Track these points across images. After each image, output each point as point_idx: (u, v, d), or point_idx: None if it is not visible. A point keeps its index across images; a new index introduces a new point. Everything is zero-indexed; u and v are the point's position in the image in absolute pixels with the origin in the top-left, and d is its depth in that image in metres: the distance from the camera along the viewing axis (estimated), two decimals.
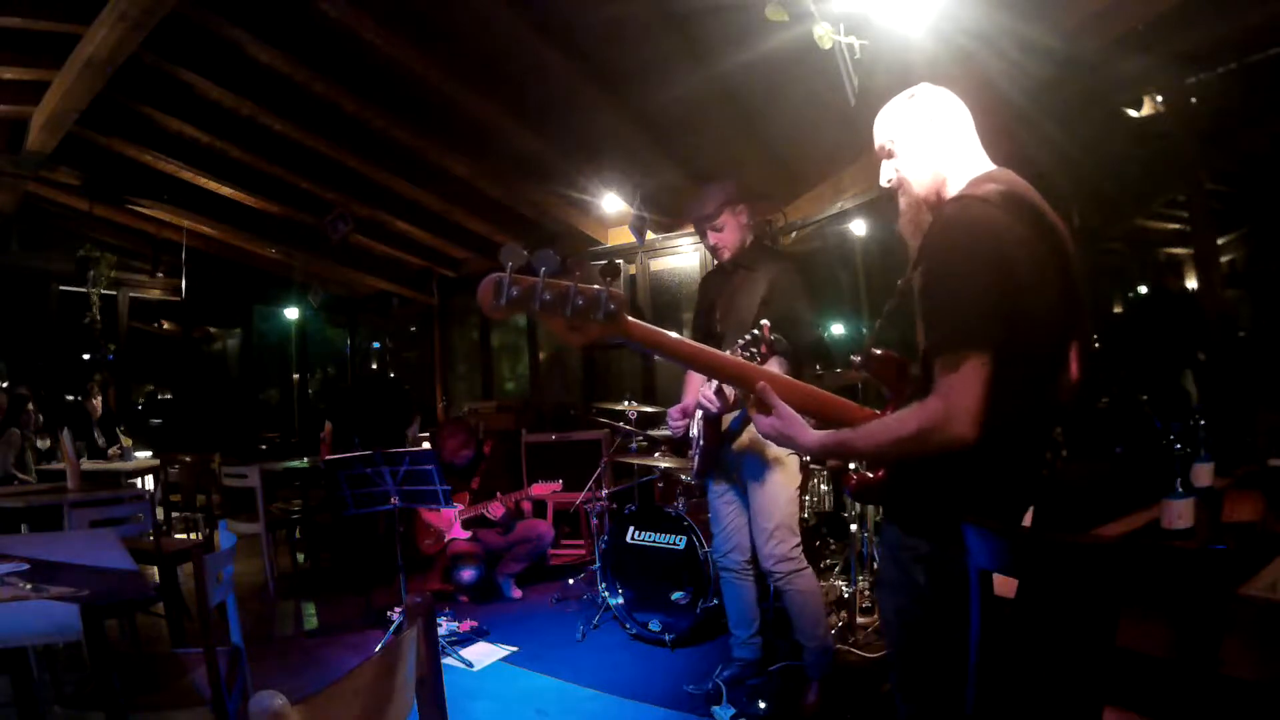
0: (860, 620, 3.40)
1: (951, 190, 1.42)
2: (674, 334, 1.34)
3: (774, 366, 2.53)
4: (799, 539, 2.74)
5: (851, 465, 1.57)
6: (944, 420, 1.20)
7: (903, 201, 1.50)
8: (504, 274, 1.15)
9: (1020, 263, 1.25)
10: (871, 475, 1.42)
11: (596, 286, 1.20)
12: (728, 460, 2.79)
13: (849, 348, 5.13)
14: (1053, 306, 1.29)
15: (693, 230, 5.87)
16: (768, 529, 2.69)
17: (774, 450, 2.66)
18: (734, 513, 2.85)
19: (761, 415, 1.37)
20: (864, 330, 4.74)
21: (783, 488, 2.71)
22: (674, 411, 2.84)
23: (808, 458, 2.86)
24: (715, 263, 2.96)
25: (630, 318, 1.26)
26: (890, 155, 1.49)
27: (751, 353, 2.26)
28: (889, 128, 1.49)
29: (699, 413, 2.74)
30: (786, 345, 2.55)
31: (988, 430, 1.24)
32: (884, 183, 1.51)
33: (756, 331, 2.33)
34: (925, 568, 1.34)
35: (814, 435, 1.35)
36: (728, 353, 2.41)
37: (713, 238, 2.83)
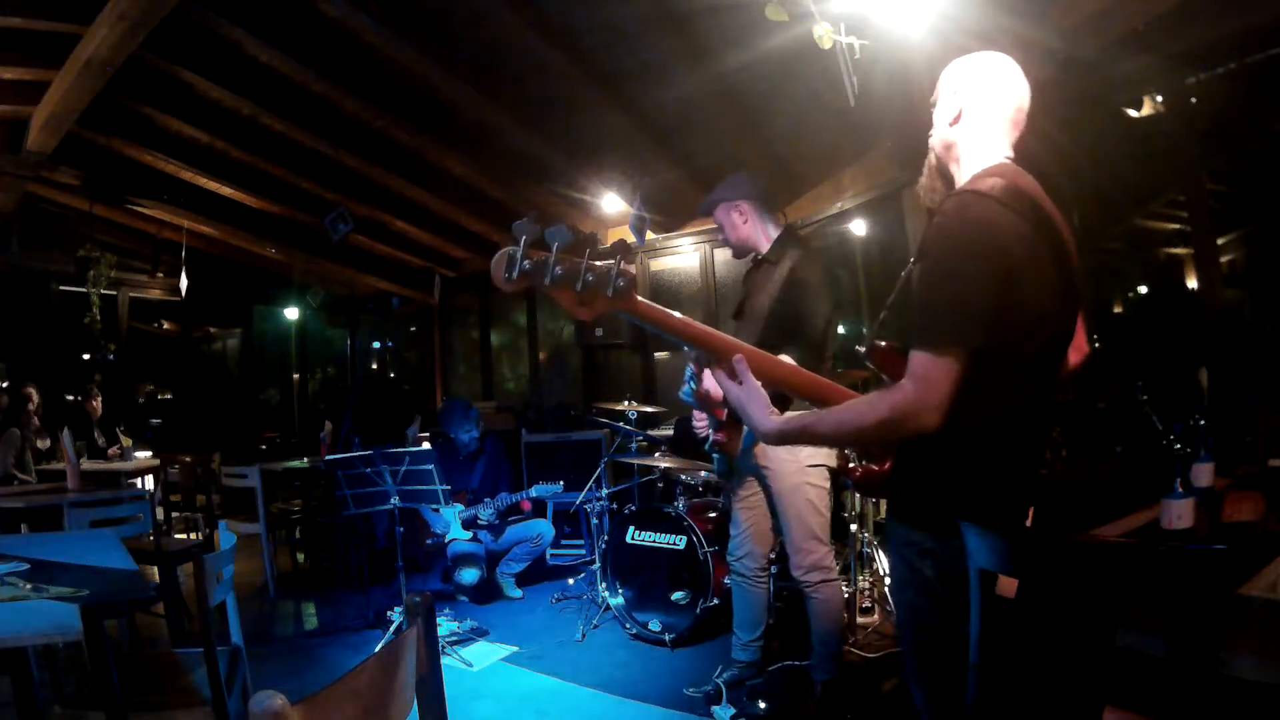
0: (860, 620, 3.40)
1: (962, 170, 1.44)
2: (676, 313, 1.35)
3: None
4: (829, 546, 2.70)
5: (850, 464, 1.57)
6: (916, 409, 1.21)
7: (927, 161, 1.52)
8: (516, 248, 1.16)
9: (1018, 259, 1.25)
10: (876, 468, 1.42)
11: (608, 262, 1.20)
12: (755, 467, 2.73)
13: (849, 349, 5.13)
14: (1050, 304, 1.30)
15: (692, 230, 5.90)
16: (796, 538, 2.65)
17: (804, 458, 2.62)
18: (754, 518, 2.81)
19: (733, 385, 1.37)
20: (864, 330, 4.75)
21: (812, 496, 2.66)
22: (699, 414, 2.75)
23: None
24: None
25: (639, 296, 1.27)
26: (931, 115, 1.50)
27: None
28: (937, 87, 1.50)
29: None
30: (795, 341, 2.53)
31: (987, 424, 1.26)
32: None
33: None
34: (932, 562, 1.35)
35: (773, 421, 1.35)
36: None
37: (720, 234, 2.85)
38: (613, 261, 1.21)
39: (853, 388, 1.54)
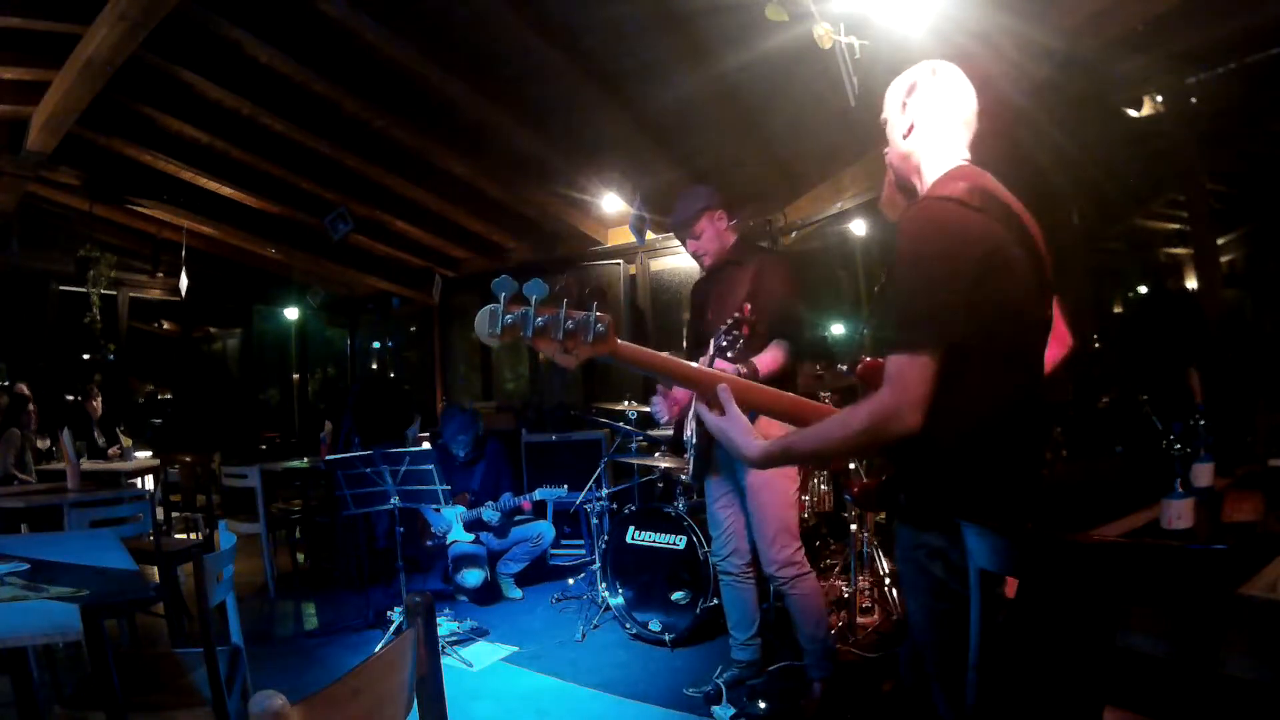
0: (860, 620, 3.40)
1: (923, 178, 1.47)
2: (660, 353, 1.41)
3: (774, 352, 2.58)
4: (800, 543, 2.74)
5: (851, 466, 1.58)
6: (893, 411, 1.24)
7: (886, 178, 1.57)
8: (498, 304, 1.22)
9: (986, 256, 1.28)
10: (870, 481, 1.44)
11: (585, 312, 1.26)
12: (725, 464, 2.78)
13: (849, 348, 5.14)
14: (1022, 295, 1.34)
15: None
16: (768, 535, 2.68)
17: None
18: (732, 517, 2.84)
19: (715, 414, 1.41)
20: (864, 330, 4.76)
21: (781, 492, 2.69)
22: (657, 400, 2.83)
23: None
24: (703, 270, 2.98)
25: (618, 339, 1.32)
26: (884, 133, 1.54)
27: (734, 335, 2.31)
28: (885, 107, 1.53)
29: (692, 414, 2.75)
30: (781, 329, 2.58)
31: (977, 417, 1.29)
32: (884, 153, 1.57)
33: (738, 314, 2.37)
34: (942, 562, 1.36)
35: (755, 445, 1.38)
36: (711, 342, 2.48)
37: (691, 245, 2.87)
38: (591, 310, 1.26)
39: (849, 391, 1.55)
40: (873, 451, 1.44)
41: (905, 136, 1.47)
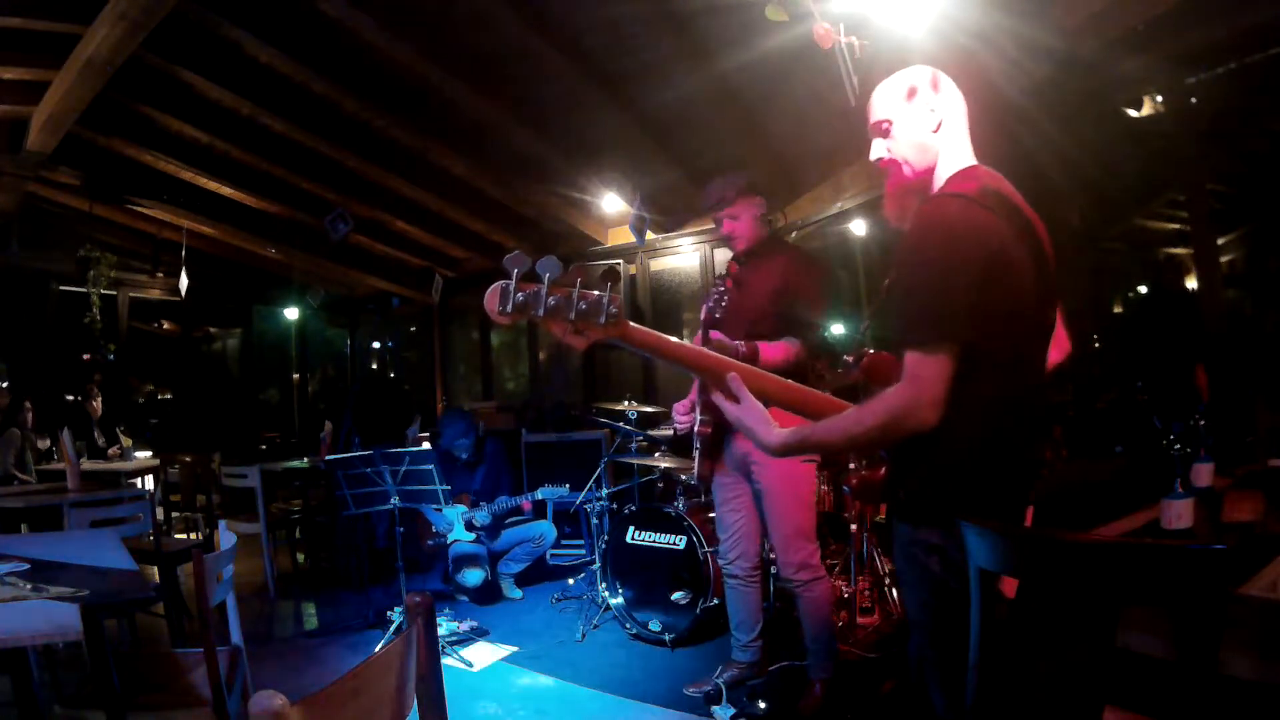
0: (860, 620, 3.40)
1: (938, 176, 1.46)
2: (670, 337, 1.37)
3: (783, 344, 2.60)
4: (816, 545, 2.71)
5: (851, 465, 1.59)
6: (911, 408, 1.25)
7: (890, 183, 1.53)
8: (509, 280, 1.20)
9: (995, 256, 1.28)
10: (869, 474, 1.44)
11: (598, 291, 1.23)
12: (735, 465, 2.76)
13: (848, 348, 5.13)
14: (1027, 298, 1.34)
15: (692, 230, 5.90)
16: (784, 537, 2.66)
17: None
18: (741, 519, 2.82)
19: (731, 404, 1.41)
20: (864, 329, 4.76)
21: (798, 495, 2.67)
22: (679, 406, 2.82)
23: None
24: (724, 269, 2.96)
25: (629, 321, 1.29)
26: (886, 134, 1.51)
27: (720, 292, 2.46)
28: (889, 106, 1.50)
29: (700, 408, 2.75)
30: (797, 329, 2.61)
31: (975, 417, 1.29)
32: (873, 158, 1.54)
33: (721, 274, 2.40)
34: (939, 558, 1.36)
35: (775, 433, 1.38)
36: (704, 309, 2.51)
37: (728, 226, 2.80)
38: (602, 291, 1.25)
39: (850, 390, 1.55)
40: (885, 446, 1.43)
41: (935, 131, 1.46)
